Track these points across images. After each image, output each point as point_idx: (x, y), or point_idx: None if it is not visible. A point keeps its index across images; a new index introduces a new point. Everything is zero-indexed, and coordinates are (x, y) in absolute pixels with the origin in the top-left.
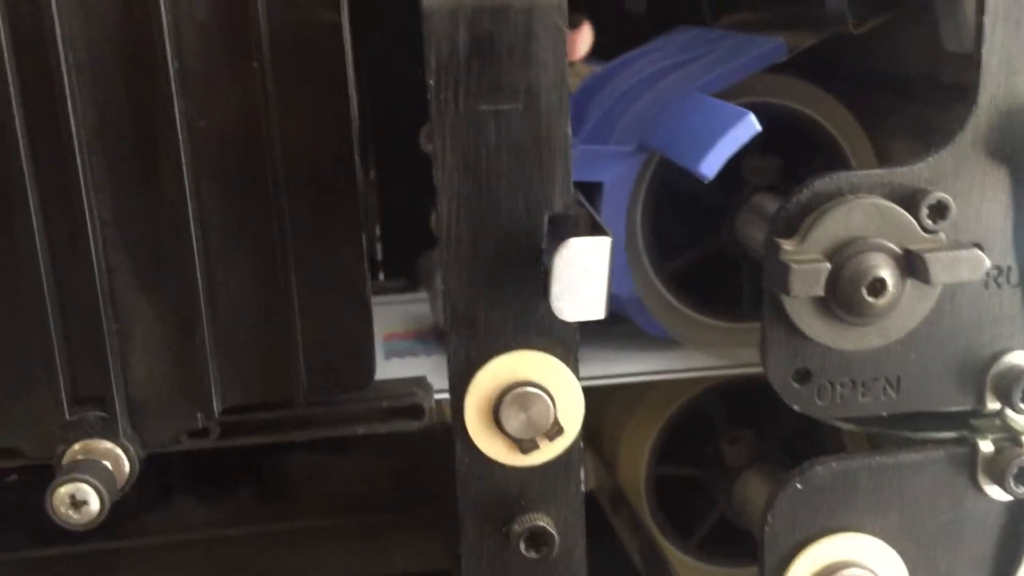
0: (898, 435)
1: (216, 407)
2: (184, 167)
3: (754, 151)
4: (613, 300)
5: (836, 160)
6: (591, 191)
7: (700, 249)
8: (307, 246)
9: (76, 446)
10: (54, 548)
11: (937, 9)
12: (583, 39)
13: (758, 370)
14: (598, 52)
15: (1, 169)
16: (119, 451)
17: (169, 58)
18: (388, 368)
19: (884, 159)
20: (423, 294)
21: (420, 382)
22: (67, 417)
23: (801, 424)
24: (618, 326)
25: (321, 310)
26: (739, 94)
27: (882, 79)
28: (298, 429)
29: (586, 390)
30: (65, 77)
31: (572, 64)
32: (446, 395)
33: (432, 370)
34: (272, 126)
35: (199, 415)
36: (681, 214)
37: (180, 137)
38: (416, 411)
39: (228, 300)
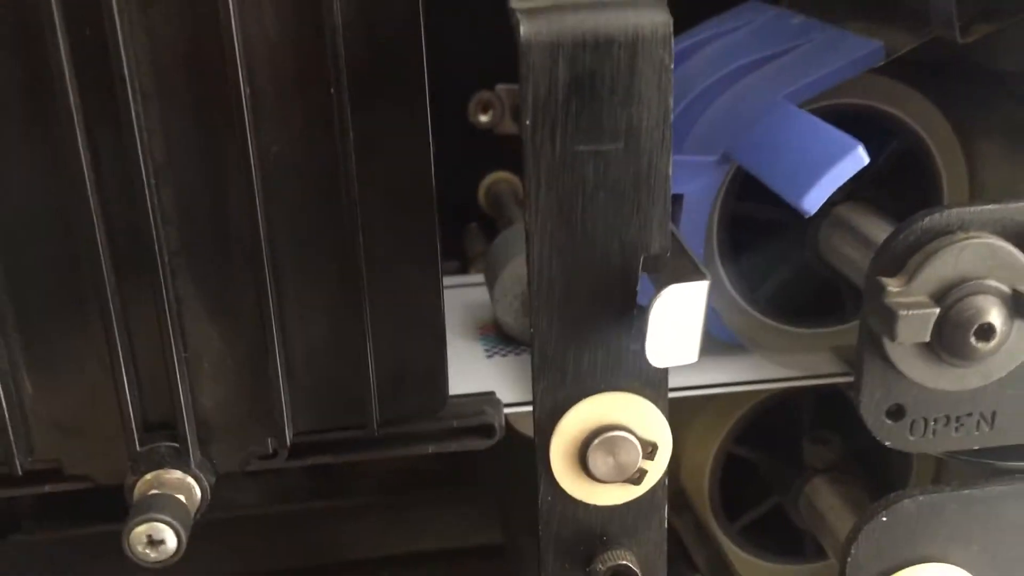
0: (983, 463)
1: (288, 434)
2: (256, 195)
3: None
4: None
5: (923, 162)
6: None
7: (786, 268)
8: (381, 273)
9: (148, 476)
10: (98, 526)
11: None
12: None
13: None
14: None
15: (70, 201)
16: (191, 480)
17: (241, 84)
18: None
19: (973, 160)
20: (474, 277)
21: (490, 399)
22: (138, 448)
23: None
24: None
25: (395, 337)
26: (823, 95)
27: (973, 73)
28: (367, 450)
29: None
30: (132, 106)
31: None
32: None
33: (493, 374)
34: (347, 152)
35: (270, 440)
36: (756, 219)
37: (252, 164)
38: (487, 430)
39: (300, 328)
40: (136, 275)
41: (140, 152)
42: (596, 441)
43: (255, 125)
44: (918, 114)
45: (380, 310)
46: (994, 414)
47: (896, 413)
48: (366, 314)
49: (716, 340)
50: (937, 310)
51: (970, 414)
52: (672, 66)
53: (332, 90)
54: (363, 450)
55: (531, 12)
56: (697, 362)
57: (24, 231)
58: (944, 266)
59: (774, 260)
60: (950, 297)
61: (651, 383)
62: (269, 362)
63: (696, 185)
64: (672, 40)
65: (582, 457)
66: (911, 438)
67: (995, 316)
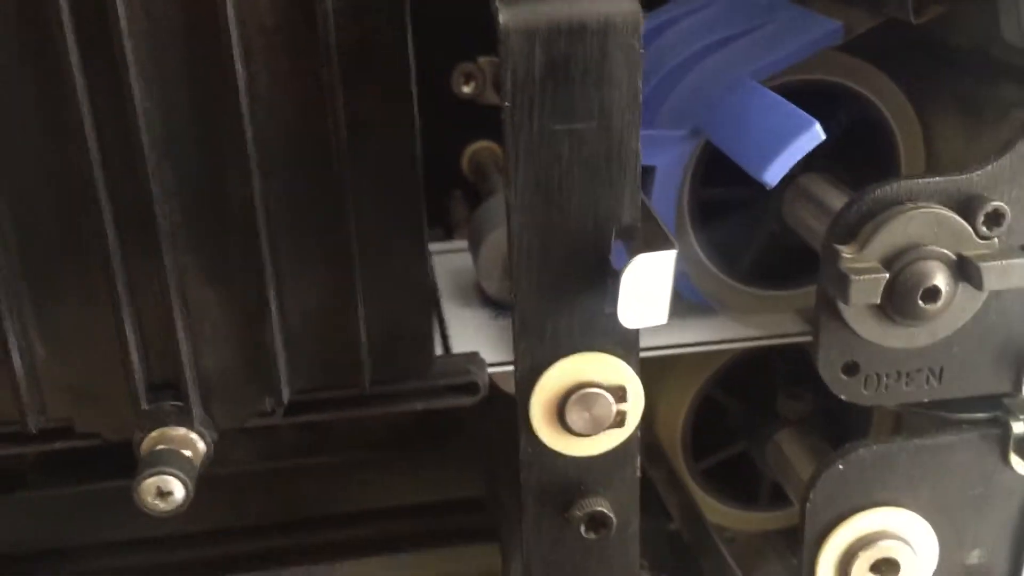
0: (934, 415)
1: (284, 393)
2: (252, 166)
3: None
4: None
5: (882, 134)
6: (642, 173)
7: (753, 234)
8: (371, 243)
9: (154, 434)
10: (101, 483)
11: (1000, 2)
12: None
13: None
14: None
15: (77, 176)
16: (195, 436)
17: (237, 65)
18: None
19: (929, 132)
20: (457, 243)
21: (474, 358)
22: (144, 406)
23: None
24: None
25: (384, 302)
26: (786, 71)
27: (930, 49)
28: (358, 408)
29: None
30: (133, 85)
31: None
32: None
33: (478, 334)
34: (339, 128)
35: (268, 400)
36: (725, 189)
37: (248, 138)
38: (471, 388)
39: (295, 293)
40: (140, 245)
41: (142, 127)
42: (573, 397)
43: (251, 105)
44: (877, 89)
45: (370, 277)
46: (942, 370)
47: (851, 369)
48: (357, 280)
49: (688, 302)
50: (886, 275)
51: (919, 370)
52: (641, 51)
53: (324, 71)
54: (354, 407)
55: (509, 1)
56: (670, 323)
57: (34, 205)
58: (893, 234)
59: (742, 227)
60: (899, 262)
61: (623, 343)
62: (266, 326)
63: (667, 157)
64: (641, 27)
65: (560, 412)
66: (865, 392)
67: (940, 279)
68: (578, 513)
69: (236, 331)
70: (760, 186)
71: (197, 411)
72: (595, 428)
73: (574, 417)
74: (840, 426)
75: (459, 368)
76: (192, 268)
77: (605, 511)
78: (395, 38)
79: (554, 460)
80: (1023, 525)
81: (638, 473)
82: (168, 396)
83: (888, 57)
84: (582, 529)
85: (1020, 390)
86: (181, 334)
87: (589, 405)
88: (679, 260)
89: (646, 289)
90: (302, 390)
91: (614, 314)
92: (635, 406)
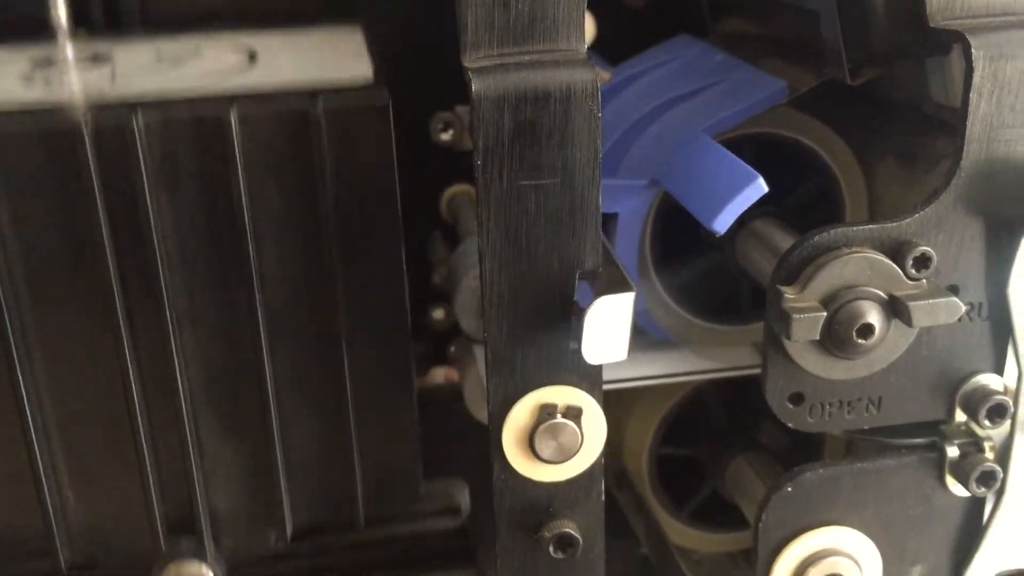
0: (877, 440)
1: (288, 528)
2: (262, 334)
3: None
4: None
5: (827, 182)
6: (606, 219)
7: (711, 274)
8: (364, 392)
9: (171, 569)
10: None
11: (927, 64)
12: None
13: (753, 372)
14: (597, 46)
15: (110, 352)
16: (207, 570)
17: (251, 248)
18: None
19: (872, 180)
20: None
21: (456, 483)
22: (162, 544)
23: None
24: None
25: (376, 443)
26: (740, 125)
27: (873, 104)
28: (353, 533)
29: None
30: (160, 269)
31: None
32: None
33: None
34: (337, 297)
35: (273, 534)
36: (685, 232)
37: (258, 310)
38: (455, 512)
39: (298, 439)
40: (162, 404)
41: (167, 301)
42: (541, 427)
43: (261, 280)
44: (822, 141)
45: (364, 423)
46: (880, 399)
47: (797, 399)
48: (352, 427)
49: (651, 338)
50: (824, 313)
51: (860, 399)
52: (599, 114)
53: (325, 251)
54: (350, 534)
55: (481, 71)
56: (636, 357)
57: (72, 375)
58: (831, 276)
59: (701, 268)
60: (836, 302)
61: (587, 377)
62: (272, 470)
63: (629, 205)
64: (599, 93)
65: (530, 441)
66: (810, 420)
67: (874, 317)
68: (547, 535)
69: (245, 475)
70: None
71: (210, 547)
72: (562, 456)
73: (543, 445)
74: (799, 451)
75: (443, 494)
76: (207, 422)
77: (572, 532)
78: (388, 220)
79: (524, 485)
80: (961, 542)
81: (603, 497)
82: (183, 534)
83: (834, 112)
84: (551, 549)
85: (953, 417)
86: (197, 479)
87: (556, 434)
88: (642, 298)
89: (607, 328)
90: (303, 524)
91: (578, 351)
92: (599, 435)
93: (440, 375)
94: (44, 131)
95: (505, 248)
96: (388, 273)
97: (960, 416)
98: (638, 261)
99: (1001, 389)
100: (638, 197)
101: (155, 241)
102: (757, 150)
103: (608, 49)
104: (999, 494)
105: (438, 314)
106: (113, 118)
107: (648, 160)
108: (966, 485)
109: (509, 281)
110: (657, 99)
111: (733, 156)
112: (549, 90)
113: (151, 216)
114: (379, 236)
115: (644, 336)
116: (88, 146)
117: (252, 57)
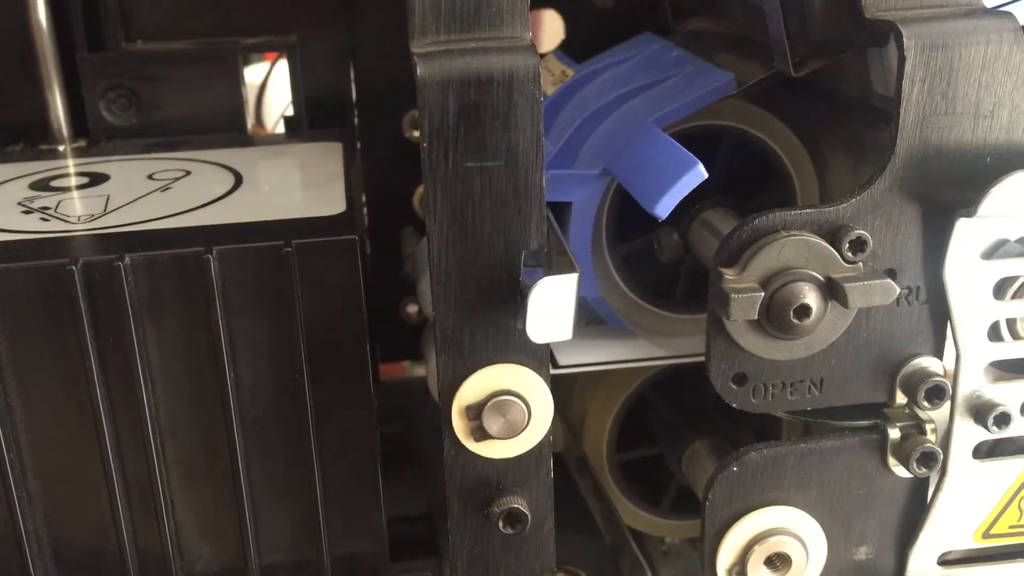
0: (823, 423)
1: None
2: (238, 447)
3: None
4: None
5: (779, 172)
6: (562, 208)
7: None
8: (335, 498)
9: None
10: None
11: (868, 55)
12: (554, 32)
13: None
14: (567, 45)
15: (92, 453)
16: None
17: (228, 373)
18: None
19: (822, 170)
20: None
21: (430, 567)
22: None
23: None
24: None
25: (344, 546)
26: (690, 118)
27: (825, 96)
28: None
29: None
30: (143, 390)
31: (543, 57)
32: None
33: None
34: (308, 408)
35: None
36: (641, 221)
37: (234, 425)
38: None
39: (269, 541)
40: (143, 505)
41: (148, 419)
42: (489, 404)
43: (237, 396)
44: (771, 132)
45: (334, 527)
46: (822, 380)
47: (740, 380)
48: (322, 532)
49: (611, 326)
50: (762, 293)
51: (802, 380)
52: (541, 99)
53: (296, 376)
54: None
55: (426, 56)
56: (594, 344)
57: (63, 488)
58: (769, 258)
59: (656, 256)
60: (774, 283)
61: (534, 356)
62: (248, 569)
63: (583, 194)
64: (540, 78)
65: (479, 418)
66: (754, 401)
67: (811, 299)
68: (496, 510)
69: (222, 573)
70: (671, 219)
71: None
72: (510, 432)
73: (491, 422)
74: (759, 434)
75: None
76: (186, 524)
77: (521, 508)
78: (355, 341)
79: (475, 462)
80: (906, 524)
81: (552, 475)
82: None
83: (789, 106)
84: (500, 525)
85: (894, 399)
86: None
87: (504, 411)
88: (595, 286)
89: (551, 308)
90: None
91: (524, 330)
92: (546, 413)
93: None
94: (38, 267)
95: (452, 229)
96: (356, 389)
97: (901, 398)
98: (593, 250)
99: (940, 371)
100: (591, 186)
101: (139, 365)
102: (710, 143)
103: (578, 49)
104: (942, 475)
105: (412, 308)
106: (102, 261)
107: (601, 151)
108: (907, 466)
109: (456, 261)
110: (612, 93)
111: (675, 143)
112: (492, 74)
113: (135, 343)
114: (347, 356)
115: (603, 323)
116: (78, 283)
117: (238, 180)
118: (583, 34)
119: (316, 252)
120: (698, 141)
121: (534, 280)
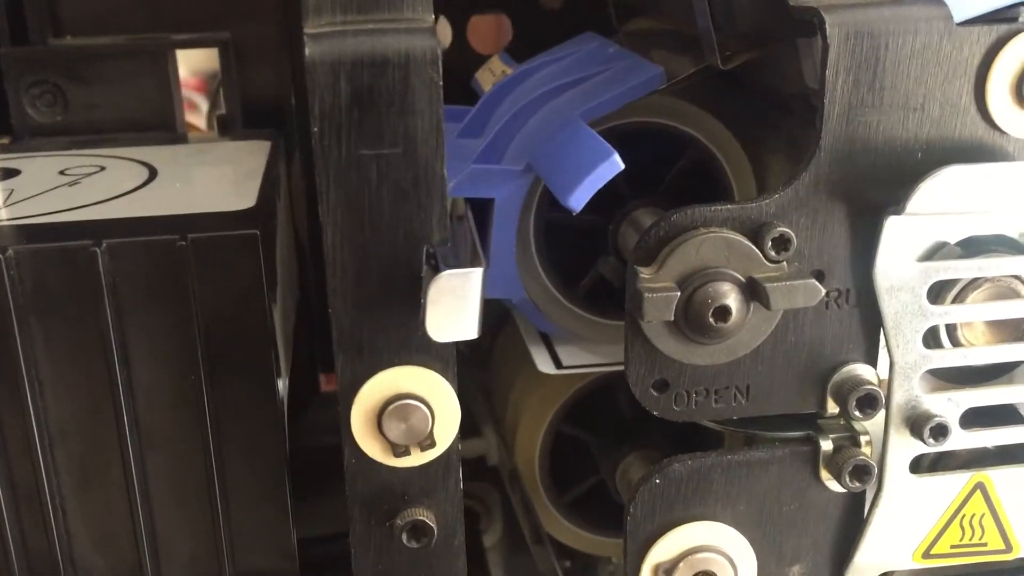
0: (754, 433)
1: None
2: (130, 449)
3: (634, 166)
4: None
5: (716, 173)
6: (485, 205)
7: (592, 258)
8: (240, 504)
9: None
10: None
11: (799, 49)
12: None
13: None
14: (513, 47)
15: None
16: None
17: (118, 374)
18: None
19: (761, 170)
20: None
21: None
22: None
23: None
24: None
25: (249, 548)
26: (622, 115)
27: (763, 94)
28: None
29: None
30: (29, 387)
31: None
32: None
33: None
34: (208, 410)
35: None
36: (572, 224)
37: (126, 427)
38: None
39: (168, 549)
40: (31, 514)
41: (36, 426)
42: (390, 408)
43: (131, 397)
44: (705, 130)
45: (238, 537)
46: (748, 387)
47: (661, 386)
48: (224, 541)
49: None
50: (678, 293)
51: (727, 387)
52: (440, 83)
53: (192, 377)
54: None
55: (317, 36)
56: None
57: None
58: (686, 256)
59: (588, 259)
60: (692, 283)
61: (439, 357)
62: None
63: (505, 191)
64: (440, 61)
65: (379, 423)
66: (676, 409)
67: (732, 300)
68: (399, 523)
69: None
70: (602, 218)
71: None
72: (412, 439)
73: (391, 428)
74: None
75: None
76: (79, 535)
77: (427, 521)
78: (259, 341)
79: (377, 471)
80: (841, 542)
81: (461, 485)
82: None
83: (725, 103)
84: (404, 538)
85: (826, 408)
86: None
87: (406, 416)
88: (520, 287)
89: (453, 304)
90: None
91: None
92: (452, 418)
93: None
94: None
95: (347, 219)
96: (260, 394)
97: (833, 408)
98: (520, 249)
99: (873, 380)
100: (514, 183)
101: (23, 364)
102: (646, 141)
103: (525, 50)
104: (878, 491)
105: None
106: None
107: (526, 147)
108: (839, 480)
109: (353, 254)
110: (545, 88)
111: (595, 135)
112: (387, 56)
113: (18, 341)
114: (250, 358)
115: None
116: None
117: (152, 175)
118: (530, 35)
119: (214, 247)
120: (635, 140)
121: (435, 275)
